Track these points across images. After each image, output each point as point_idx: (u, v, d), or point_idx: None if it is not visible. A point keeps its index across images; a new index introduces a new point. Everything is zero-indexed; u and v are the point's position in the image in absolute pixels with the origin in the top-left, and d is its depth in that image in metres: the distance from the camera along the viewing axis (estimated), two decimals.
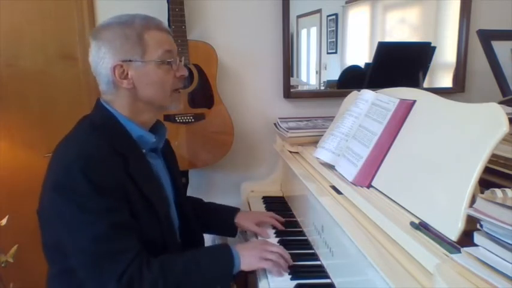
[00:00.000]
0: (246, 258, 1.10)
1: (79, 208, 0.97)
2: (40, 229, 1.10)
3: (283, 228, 1.42)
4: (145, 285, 0.98)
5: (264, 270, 1.14)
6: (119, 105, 1.11)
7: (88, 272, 1.00)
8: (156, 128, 1.21)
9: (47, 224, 1.07)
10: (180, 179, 1.35)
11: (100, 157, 1.01)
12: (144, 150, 1.13)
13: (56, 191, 0.99)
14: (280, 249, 1.18)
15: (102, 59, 1.07)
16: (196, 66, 1.78)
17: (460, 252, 0.69)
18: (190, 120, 1.78)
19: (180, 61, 1.15)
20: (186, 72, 1.15)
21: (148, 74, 1.08)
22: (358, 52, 2.07)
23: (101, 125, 1.08)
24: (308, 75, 2.11)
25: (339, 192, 1.15)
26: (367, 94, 1.30)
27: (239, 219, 1.40)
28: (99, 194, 0.97)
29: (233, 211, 1.44)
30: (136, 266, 0.98)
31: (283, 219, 1.46)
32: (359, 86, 1.73)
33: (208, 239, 1.88)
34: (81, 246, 0.98)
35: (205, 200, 1.51)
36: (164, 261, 1.03)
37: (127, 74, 1.07)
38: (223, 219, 1.42)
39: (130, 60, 1.06)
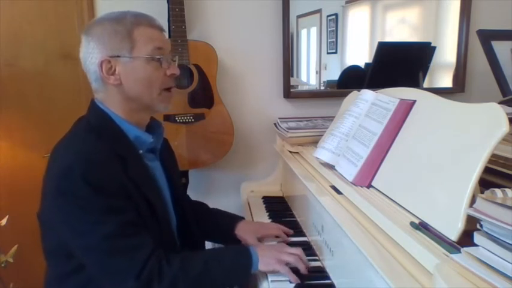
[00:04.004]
0: (264, 258, 1.08)
1: (83, 211, 0.96)
2: (41, 232, 1.09)
3: (288, 239, 1.33)
4: (165, 281, 0.97)
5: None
6: (112, 105, 1.09)
7: (102, 270, 0.99)
8: (152, 128, 1.19)
9: (49, 227, 1.06)
10: (178, 180, 1.33)
11: (99, 160, 0.99)
12: (141, 151, 1.12)
13: (57, 196, 0.98)
14: (299, 251, 1.14)
15: (90, 54, 1.06)
16: (196, 66, 1.78)
17: (460, 252, 0.69)
18: (190, 120, 1.78)
19: (174, 60, 1.13)
20: (177, 71, 1.12)
21: (135, 70, 1.06)
22: (358, 52, 2.07)
23: (97, 127, 1.07)
24: (308, 75, 2.11)
25: (339, 192, 1.15)
26: (367, 94, 1.30)
27: (239, 231, 1.32)
28: (102, 196, 0.96)
29: (234, 221, 1.35)
30: (156, 262, 0.98)
31: (291, 231, 1.36)
32: (359, 86, 1.73)
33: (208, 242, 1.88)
34: (91, 245, 0.97)
35: (206, 200, 1.50)
36: (184, 257, 1.03)
37: (114, 69, 1.05)
38: (223, 228, 1.35)
39: (118, 56, 1.04)
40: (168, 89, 1.13)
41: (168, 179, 1.23)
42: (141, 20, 1.07)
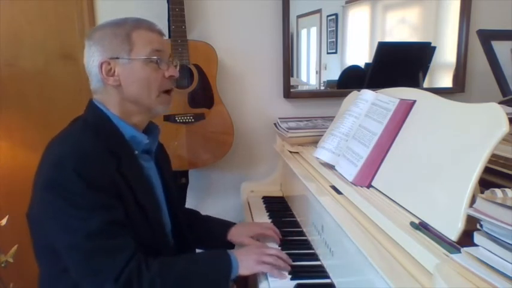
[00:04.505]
0: (244, 262, 1.09)
1: (71, 205, 0.96)
2: (30, 232, 1.08)
3: (278, 241, 1.33)
4: (144, 285, 0.97)
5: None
6: (110, 105, 1.11)
7: (82, 271, 0.99)
8: (149, 130, 1.20)
9: (38, 225, 1.06)
10: (173, 184, 1.32)
11: (93, 155, 1.00)
12: (136, 152, 1.12)
13: (47, 189, 0.98)
14: (277, 251, 1.17)
15: (92, 57, 1.09)
16: (196, 66, 1.78)
17: (460, 252, 0.69)
18: (190, 120, 1.78)
19: (174, 65, 1.15)
20: (176, 73, 1.14)
21: (134, 72, 1.08)
22: (358, 52, 2.07)
23: (93, 125, 1.08)
24: (308, 75, 2.11)
25: (339, 192, 1.15)
26: (367, 94, 1.31)
27: (232, 236, 1.32)
28: (92, 191, 0.96)
29: (226, 227, 1.34)
30: (135, 265, 0.98)
31: (279, 239, 1.34)
32: (359, 86, 1.73)
33: None
34: (74, 243, 0.97)
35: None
36: (163, 262, 1.03)
37: (114, 71, 1.08)
38: (216, 235, 1.35)
39: (117, 58, 1.07)
40: (167, 92, 1.14)
41: (162, 181, 1.23)
42: (141, 24, 1.10)
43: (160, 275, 0.99)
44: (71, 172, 0.95)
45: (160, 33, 1.13)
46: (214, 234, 1.36)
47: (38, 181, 1.03)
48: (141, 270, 0.98)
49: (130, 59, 1.07)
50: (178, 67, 1.16)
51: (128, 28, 1.08)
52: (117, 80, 1.08)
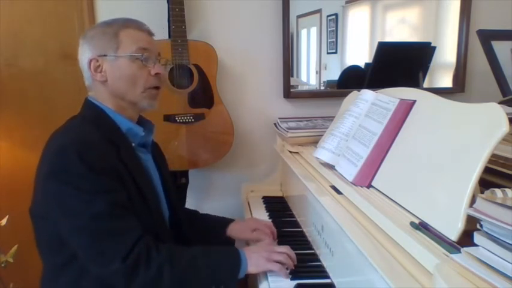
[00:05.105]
0: (253, 260, 1.09)
1: (75, 189, 0.97)
2: (34, 226, 1.10)
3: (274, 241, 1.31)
4: (152, 268, 0.98)
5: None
6: (104, 100, 1.15)
7: (89, 252, 1.00)
8: (142, 124, 1.22)
9: (42, 217, 1.06)
10: (170, 178, 1.34)
11: (94, 143, 1.03)
12: (133, 144, 1.15)
13: (50, 177, 1.00)
14: (287, 249, 1.16)
15: (83, 55, 1.14)
16: (196, 66, 1.78)
17: (460, 252, 0.69)
18: (190, 120, 1.78)
19: (163, 64, 1.18)
20: (162, 71, 1.17)
21: (120, 68, 1.12)
22: (358, 52, 2.07)
23: (91, 119, 1.12)
24: (308, 75, 2.11)
25: (339, 192, 1.15)
26: (367, 94, 1.31)
27: (232, 231, 1.34)
28: (96, 174, 0.98)
29: (225, 223, 1.36)
30: (144, 247, 0.99)
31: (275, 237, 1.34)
32: (359, 86, 1.73)
33: None
34: (80, 226, 0.98)
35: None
36: (173, 249, 1.04)
37: (102, 67, 1.12)
38: (215, 231, 1.36)
39: (105, 55, 1.11)
40: (154, 88, 1.17)
41: (160, 174, 1.26)
42: (130, 23, 1.14)
43: (170, 262, 1.00)
44: (73, 157, 0.97)
45: (149, 33, 1.17)
46: (214, 229, 1.37)
47: (40, 173, 1.04)
48: (151, 254, 0.99)
49: (117, 56, 1.11)
50: (167, 66, 1.19)
51: (117, 27, 1.12)
52: (104, 76, 1.12)
